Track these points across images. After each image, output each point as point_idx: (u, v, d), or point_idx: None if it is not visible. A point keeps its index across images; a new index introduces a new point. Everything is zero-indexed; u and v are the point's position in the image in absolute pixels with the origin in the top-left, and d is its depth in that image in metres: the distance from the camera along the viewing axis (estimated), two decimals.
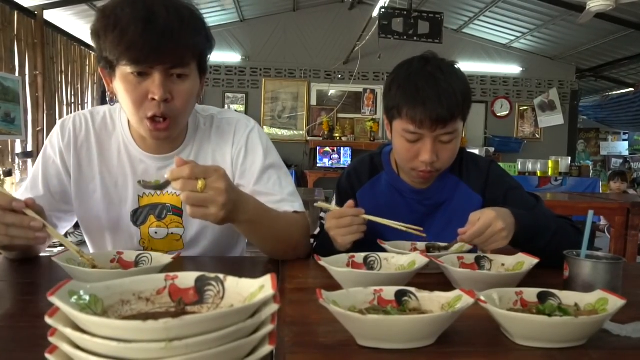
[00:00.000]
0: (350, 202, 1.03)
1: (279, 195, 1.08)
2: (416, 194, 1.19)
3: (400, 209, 1.19)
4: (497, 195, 1.16)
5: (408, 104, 1.03)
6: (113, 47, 0.89)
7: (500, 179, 1.19)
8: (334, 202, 1.23)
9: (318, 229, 1.21)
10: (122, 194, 1.09)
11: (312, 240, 1.17)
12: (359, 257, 0.93)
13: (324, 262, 0.84)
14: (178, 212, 1.11)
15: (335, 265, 0.84)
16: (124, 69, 0.92)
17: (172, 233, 1.12)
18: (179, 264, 0.95)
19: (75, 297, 0.48)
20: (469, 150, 1.28)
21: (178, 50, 0.92)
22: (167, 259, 0.86)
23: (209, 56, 1.03)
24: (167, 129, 0.98)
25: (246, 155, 1.11)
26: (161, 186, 0.87)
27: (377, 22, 4.47)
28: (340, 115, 7.29)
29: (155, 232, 1.11)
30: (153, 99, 0.93)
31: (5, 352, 0.57)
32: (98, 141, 1.09)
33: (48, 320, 0.43)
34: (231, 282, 0.54)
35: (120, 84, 0.94)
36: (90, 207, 1.10)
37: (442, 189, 1.19)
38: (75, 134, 1.09)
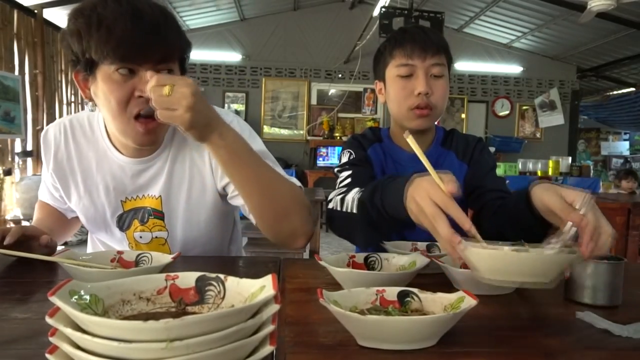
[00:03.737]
0: None
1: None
2: (413, 160, 1.16)
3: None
4: (481, 168, 1.21)
5: (398, 43, 1.16)
6: (100, 45, 0.87)
7: (486, 155, 1.25)
8: (346, 158, 1.20)
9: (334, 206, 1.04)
10: (105, 200, 1.08)
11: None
12: (360, 257, 0.93)
13: (324, 262, 0.84)
14: (159, 214, 1.09)
15: (335, 266, 0.84)
16: (107, 69, 0.90)
17: (156, 237, 1.10)
18: (179, 264, 0.96)
19: (76, 296, 0.47)
20: None
21: (166, 47, 0.92)
22: (167, 258, 0.86)
23: (188, 60, 1.03)
24: (155, 131, 0.97)
25: None
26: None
27: (378, 21, 4.46)
28: (341, 115, 7.30)
29: (140, 237, 1.09)
30: (140, 97, 0.91)
31: (6, 351, 0.57)
32: (77, 149, 1.09)
33: (48, 320, 0.42)
34: (232, 282, 0.54)
35: (102, 85, 0.91)
36: (81, 214, 1.12)
37: (436, 158, 1.22)
38: (56, 144, 1.09)
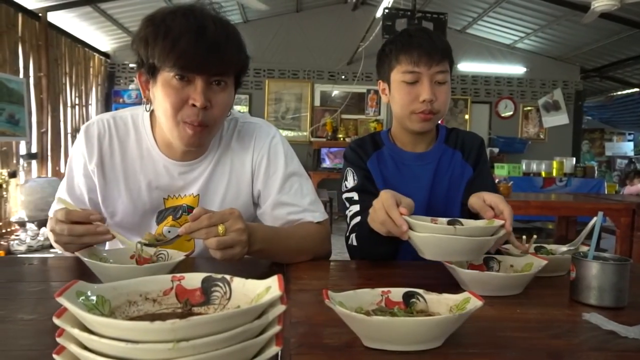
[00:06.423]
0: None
1: (301, 205, 1.12)
2: (418, 158, 1.26)
3: (405, 178, 1.25)
4: (482, 175, 1.25)
5: (405, 49, 1.16)
6: (163, 54, 0.93)
7: (485, 158, 1.30)
8: (350, 178, 1.24)
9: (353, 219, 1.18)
10: (147, 199, 1.11)
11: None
12: (442, 221, 0.93)
13: (408, 218, 0.85)
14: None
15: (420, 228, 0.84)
16: (167, 74, 0.96)
17: None
18: (190, 264, 0.99)
19: (83, 297, 0.48)
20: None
21: (222, 63, 0.98)
22: (180, 255, 0.89)
23: (245, 73, 1.10)
24: (201, 136, 1.01)
25: (268, 163, 1.14)
26: (168, 242, 0.92)
27: (381, 22, 4.47)
28: (344, 116, 7.30)
29: (169, 232, 1.12)
30: (193, 105, 0.97)
31: (13, 352, 0.57)
32: (121, 147, 1.11)
33: (56, 320, 0.43)
34: (238, 283, 0.54)
35: (161, 89, 0.98)
36: (116, 210, 1.12)
37: (440, 156, 1.26)
38: (99, 140, 1.10)
